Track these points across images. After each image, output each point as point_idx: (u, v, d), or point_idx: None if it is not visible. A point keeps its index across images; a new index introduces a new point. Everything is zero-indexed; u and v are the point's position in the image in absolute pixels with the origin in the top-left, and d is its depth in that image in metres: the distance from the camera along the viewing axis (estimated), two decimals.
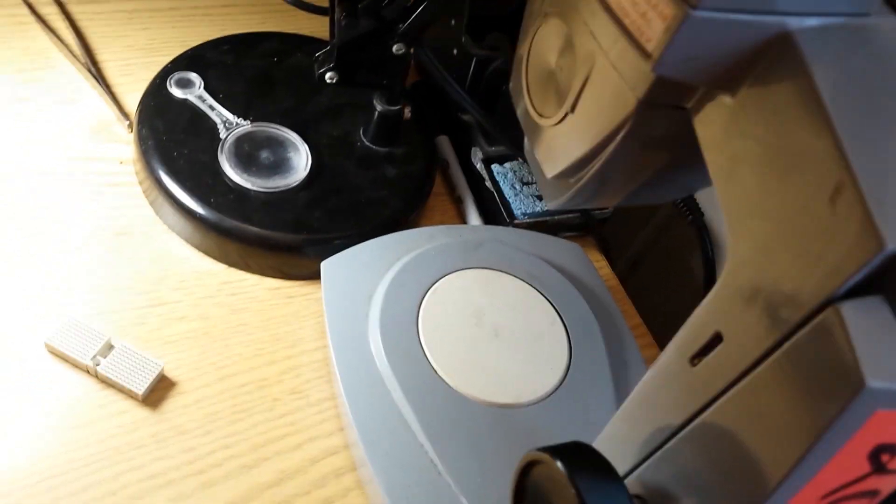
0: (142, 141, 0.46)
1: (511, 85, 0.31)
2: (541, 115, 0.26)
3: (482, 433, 0.38)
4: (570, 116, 0.23)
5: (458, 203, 0.52)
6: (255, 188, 0.45)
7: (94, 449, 0.37)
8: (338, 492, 0.39)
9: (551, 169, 0.26)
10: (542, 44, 0.25)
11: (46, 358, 0.39)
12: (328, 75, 0.44)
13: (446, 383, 0.39)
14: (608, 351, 0.43)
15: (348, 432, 0.40)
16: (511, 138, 0.49)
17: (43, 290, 0.42)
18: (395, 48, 0.43)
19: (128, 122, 0.49)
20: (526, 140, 0.30)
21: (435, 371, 0.39)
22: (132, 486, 0.36)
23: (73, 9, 0.56)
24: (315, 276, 0.46)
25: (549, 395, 0.40)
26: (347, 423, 0.39)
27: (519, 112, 0.31)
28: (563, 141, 0.25)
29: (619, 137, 0.22)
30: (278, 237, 0.45)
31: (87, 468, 0.36)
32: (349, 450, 0.40)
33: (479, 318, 0.42)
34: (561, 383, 0.40)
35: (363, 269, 0.43)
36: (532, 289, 0.44)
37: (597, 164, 0.23)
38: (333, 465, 0.40)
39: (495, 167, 0.52)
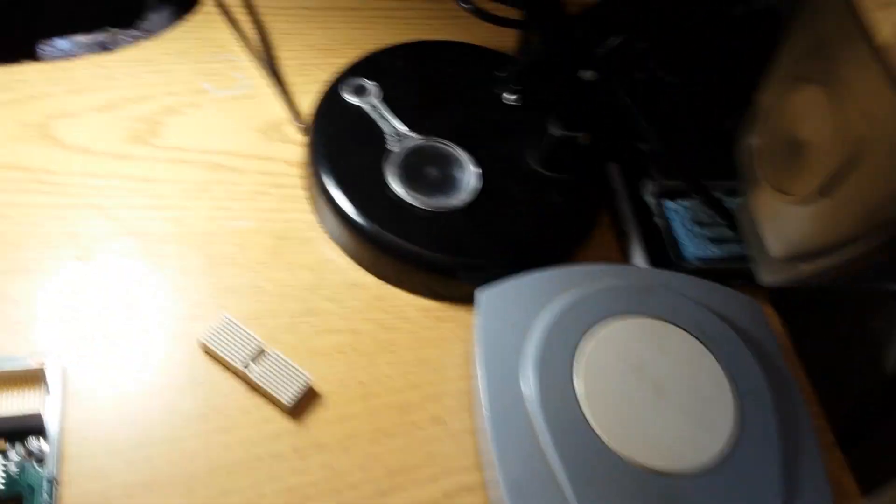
0: (313, 145, 0.46)
1: (745, 133, 0.27)
2: (778, 189, 0.23)
3: (634, 498, 0.35)
4: (821, 201, 0.20)
5: (622, 237, 0.49)
6: (418, 205, 0.44)
7: (237, 455, 0.37)
8: None
9: (781, 248, 0.23)
10: (793, 111, 0.22)
11: (199, 357, 0.40)
12: (510, 97, 0.42)
13: (600, 438, 0.36)
14: (778, 423, 0.38)
15: (487, 471, 0.38)
16: (690, 175, 0.45)
17: (203, 284, 0.42)
18: (585, 75, 0.40)
19: (301, 125, 0.49)
20: (745, 199, 0.27)
21: (589, 423, 0.36)
22: (269, 498, 0.36)
23: (257, 1, 0.57)
24: (466, 300, 0.44)
25: (710, 468, 0.36)
26: (488, 461, 0.37)
27: (742, 156, 0.28)
28: (805, 224, 0.21)
29: (880, 236, 0.18)
30: (435, 258, 0.43)
31: (228, 475, 0.36)
32: (485, 490, 0.38)
33: (640, 371, 0.39)
34: (724, 456, 0.37)
35: (521, 303, 0.41)
36: (701, 345, 0.40)
37: (839, 258, 0.20)
38: (468, 502, 0.38)
39: (668, 203, 0.48)
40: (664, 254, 0.47)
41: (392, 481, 0.38)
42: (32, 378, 0.35)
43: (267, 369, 0.39)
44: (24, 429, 0.34)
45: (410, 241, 0.43)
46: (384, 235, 0.43)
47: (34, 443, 0.34)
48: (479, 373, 0.38)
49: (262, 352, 0.40)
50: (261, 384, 0.39)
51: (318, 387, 0.40)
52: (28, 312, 0.39)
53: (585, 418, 0.37)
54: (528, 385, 0.38)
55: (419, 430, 0.40)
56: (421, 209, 0.44)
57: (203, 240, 0.44)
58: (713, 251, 0.47)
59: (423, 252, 0.43)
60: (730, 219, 0.45)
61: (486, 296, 0.41)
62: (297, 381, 0.39)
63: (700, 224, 0.48)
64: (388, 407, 0.40)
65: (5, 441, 0.34)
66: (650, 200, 0.49)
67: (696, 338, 0.40)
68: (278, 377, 0.39)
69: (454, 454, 0.39)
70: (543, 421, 0.36)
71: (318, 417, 0.39)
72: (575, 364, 0.38)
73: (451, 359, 0.43)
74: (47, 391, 0.35)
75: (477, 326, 0.40)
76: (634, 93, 0.43)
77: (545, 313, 0.40)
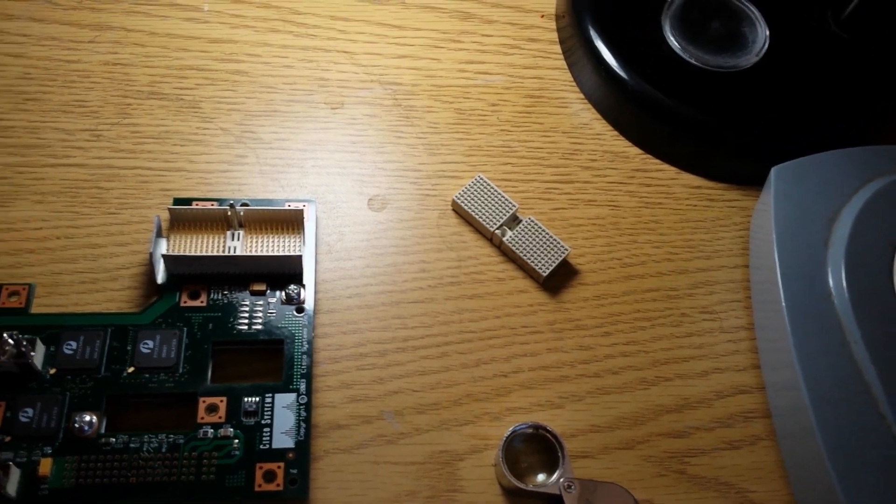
0: None
1: None
2: None
3: None
4: None
5: None
6: (698, 63, 0.38)
7: (490, 324, 0.34)
8: (744, 437, 0.33)
9: None
10: None
11: (451, 217, 0.37)
12: None
13: None
14: None
15: (770, 374, 0.33)
16: None
17: (453, 141, 0.39)
18: None
19: None
20: None
21: None
22: (524, 373, 0.33)
23: None
24: (741, 179, 0.39)
25: None
26: (778, 362, 0.33)
27: None
28: None
29: None
30: (711, 126, 0.37)
31: (481, 342, 0.34)
32: (763, 392, 0.34)
33: None
34: None
35: (823, 185, 0.34)
36: None
37: None
38: (742, 405, 0.34)
39: None
40: None
41: (657, 372, 0.34)
42: (289, 223, 0.34)
43: (522, 236, 0.35)
44: (284, 274, 0.33)
45: (686, 105, 0.38)
46: (653, 95, 0.38)
47: (293, 289, 0.32)
48: (777, 264, 0.33)
49: (515, 218, 0.36)
50: (516, 251, 0.35)
51: (575, 261, 0.36)
52: (279, 156, 0.37)
53: None
54: (837, 281, 0.32)
55: (687, 320, 0.35)
56: (699, 68, 0.38)
57: (453, 94, 0.40)
58: None
59: (699, 118, 0.38)
60: None
61: (781, 173, 0.35)
62: (554, 252, 0.35)
63: None
64: (652, 291, 0.36)
65: (266, 285, 0.33)
66: None
67: None
68: (534, 246, 0.35)
69: (727, 351, 0.35)
70: (856, 324, 0.31)
71: (574, 294, 0.35)
72: None
73: (724, 245, 0.37)
74: (303, 239, 0.33)
75: (774, 210, 0.34)
76: None
77: (856, 199, 0.34)
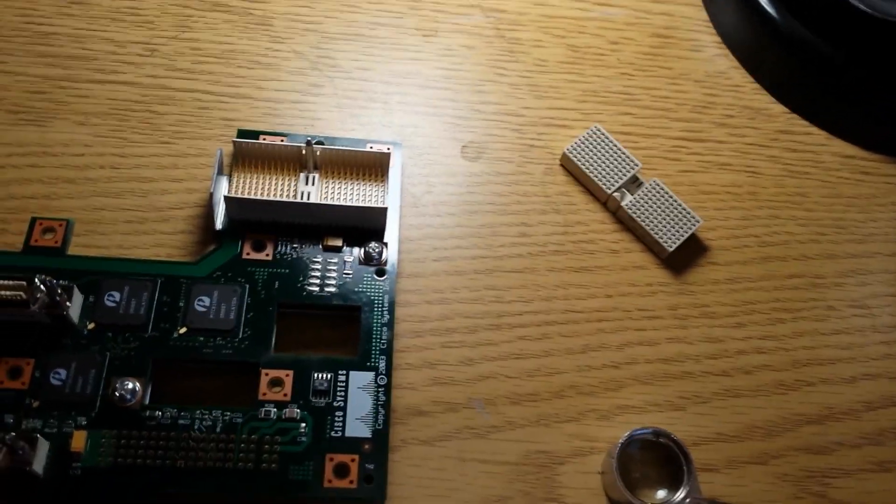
0: None
1: None
2: None
3: None
4: None
5: None
6: (866, 9, 0.31)
7: (601, 303, 0.29)
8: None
9: None
10: None
11: (559, 173, 0.31)
12: None
13: None
14: None
15: None
16: None
17: (564, 83, 0.33)
18: None
19: None
20: None
21: None
22: (638, 365, 0.28)
23: None
24: None
25: None
26: None
27: None
28: None
29: None
30: (875, 85, 0.31)
31: (588, 325, 0.28)
32: None
33: None
34: None
35: None
36: None
37: None
38: (894, 419, 0.28)
39: None
40: None
41: (797, 374, 0.28)
42: (371, 168, 0.28)
43: (644, 202, 0.30)
44: (363, 228, 0.28)
45: (845, 56, 0.31)
46: (808, 42, 0.32)
47: (374, 247, 0.27)
48: None
49: (635, 180, 0.31)
50: (637, 219, 0.30)
51: (704, 235, 0.31)
52: (360, 88, 0.32)
53: None
54: None
55: (834, 314, 0.30)
56: (867, 14, 0.32)
57: (565, 27, 0.34)
58: None
59: (860, 73, 0.31)
60: None
61: None
62: (682, 222, 0.30)
63: None
64: (795, 278, 0.30)
65: (342, 240, 0.27)
66: None
67: None
68: (658, 214, 0.30)
69: (879, 354, 0.29)
70: None
71: (703, 275, 0.30)
72: None
73: (879, 227, 0.31)
74: (387, 188, 0.28)
75: None
76: None
77: None
